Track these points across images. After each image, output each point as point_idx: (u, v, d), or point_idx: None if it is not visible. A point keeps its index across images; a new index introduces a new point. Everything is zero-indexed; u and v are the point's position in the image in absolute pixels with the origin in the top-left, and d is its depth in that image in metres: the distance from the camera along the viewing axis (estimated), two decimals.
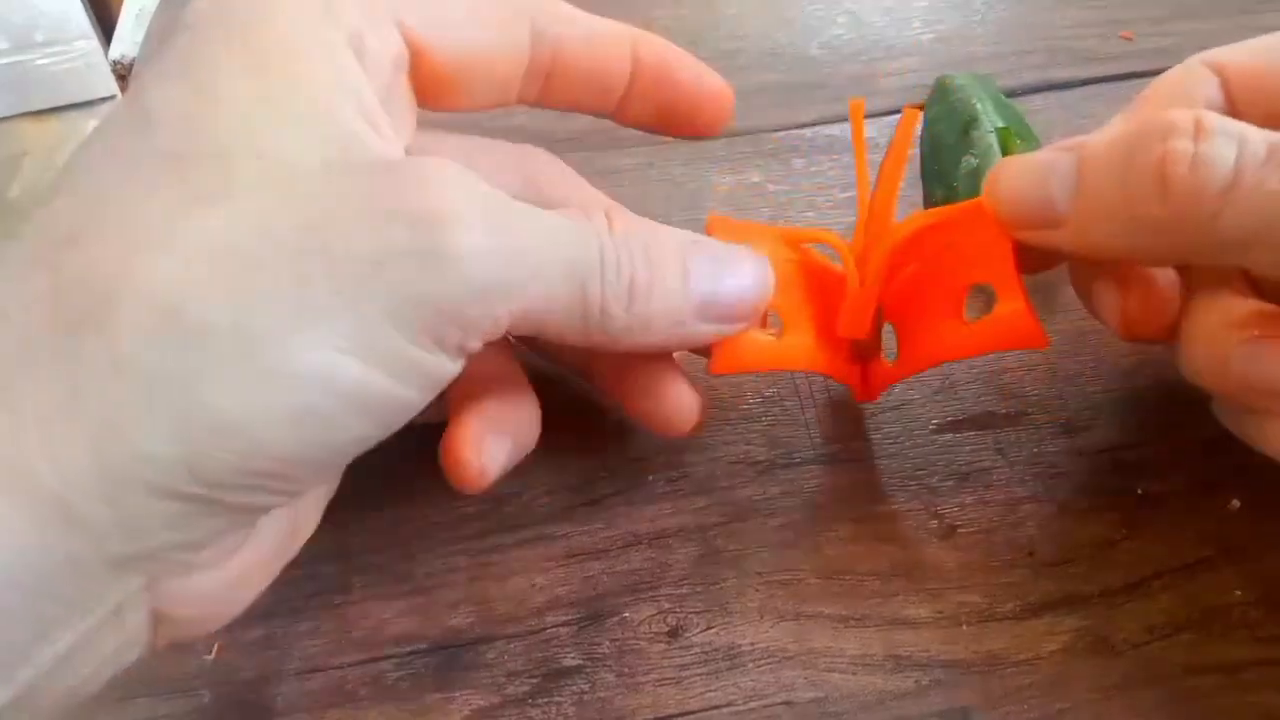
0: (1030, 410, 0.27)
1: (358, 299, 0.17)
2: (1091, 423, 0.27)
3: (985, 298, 0.24)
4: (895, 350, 0.26)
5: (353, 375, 0.17)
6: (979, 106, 0.33)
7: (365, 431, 0.19)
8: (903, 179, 0.25)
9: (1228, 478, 0.26)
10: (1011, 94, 0.35)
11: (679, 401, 0.25)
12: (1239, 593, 0.24)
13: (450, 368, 0.19)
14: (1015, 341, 0.23)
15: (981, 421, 0.27)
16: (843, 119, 0.36)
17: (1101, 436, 0.27)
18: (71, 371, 0.16)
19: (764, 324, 0.24)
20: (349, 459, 0.20)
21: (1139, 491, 0.26)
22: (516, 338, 0.26)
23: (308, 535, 0.23)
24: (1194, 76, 0.24)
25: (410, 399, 0.19)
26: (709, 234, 0.24)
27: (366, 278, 0.17)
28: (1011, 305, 0.23)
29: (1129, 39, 0.38)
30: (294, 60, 0.19)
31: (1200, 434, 0.27)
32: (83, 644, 0.17)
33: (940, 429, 0.27)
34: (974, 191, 0.30)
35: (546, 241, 0.20)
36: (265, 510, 0.19)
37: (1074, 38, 0.38)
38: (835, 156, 0.35)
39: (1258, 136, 0.19)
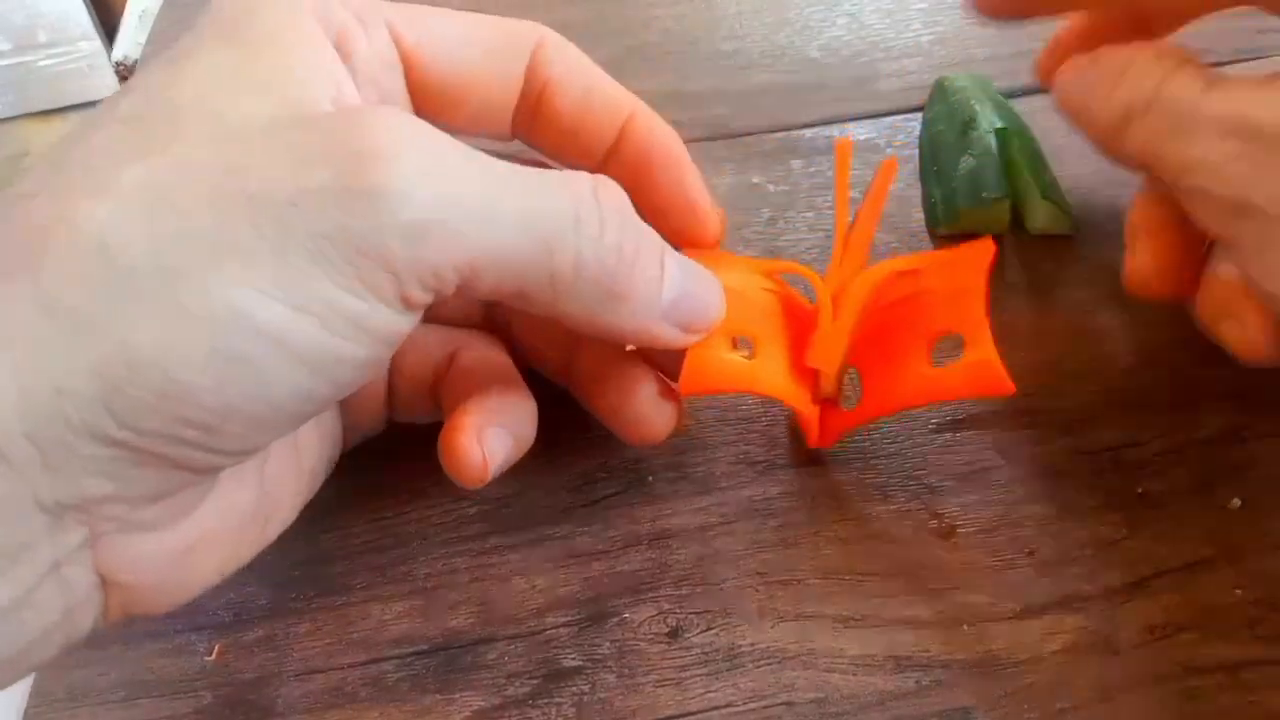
0: (1030, 410, 0.27)
1: (278, 238, 0.17)
2: (1091, 423, 0.27)
3: (951, 345, 0.24)
4: (856, 400, 0.26)
5: (276, 318, 0.17)
6: (977, 108, 0.33)
7: (303, 384, 0.18)
8: (878, 224, 0.26)
9: (1228, 477, 0.26)
10: (1011, 95, 0.35)
11: (651, 406, 0.24)
12: (1239, 592, 0.24)
13: (393, 320, 0.18)
14: (982, 389, 0.23)
15: (981, 421, 0.27)
16: (843, 119, 0.36)
17: (1101, 436, 0.27)
18: (3, 302, 0.16)
19: (734, 346, 0.24)
20: (298, 418, 0.19)
21: (1139, 491, 0.26)
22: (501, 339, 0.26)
23: (280, 526, 0.23)
24: None
25: (352, 353, 0.18)
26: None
27: (286, 217, 0.17)
28: (979, 353, 0.23)
29: None
30: (273, 45, 0.19)
31: (1200, 434, 0.27)
32: (24, 598, 0.17)
33: (940, 429, 0.27)
34: (972, 191, 0.30)
35: (499, 190, 0.19)
36: (206, 469, 0.18)
37: None
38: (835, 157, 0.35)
39: (1153, 81, 0.23)
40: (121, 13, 0.47)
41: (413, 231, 0.17)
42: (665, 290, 0.22)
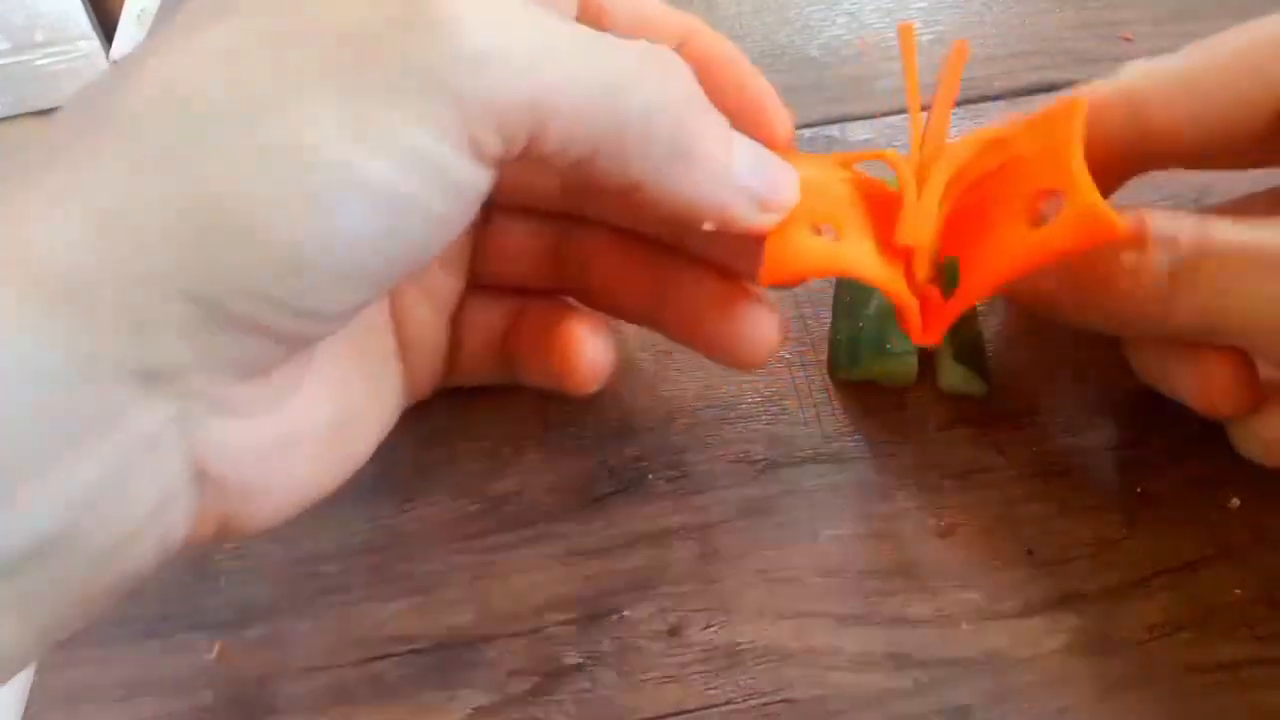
0: (1030, 410, 0.27)
1: (347, 76, 0.17)
2: (1091, 422, 0.27)
3: (1052, 209, 0.23)
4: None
5: (349, 156, 0.16)
6: None
7: (380, 232, 0.17)
8: (955, 101, 0.25)
9: (1228, 476, 0.26)
10: (1010, 95, 0.35)
11: (755, 322, 0.24)
12: (1239, 591, 0.24)
13: (467, 171, 0.18)
14: (1089, 238, 0.22)
15: (982, 421, 0.27)
16: (843, 119, 0.36)
17: (1101, 436, 0.27)
18: (80, 160, 0.16)
19: (816, 234, 0.23)
20: (376, 279, 0.18)
21: (1139, 490, 0.26)
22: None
23: (358, 461, 0.22)
24: (1105, 113, 0.24)
25: (427, 202, 0.17)
26: None
27: (352, 52, 0.17)
28: (1080, 201, 0.22)
29: (1129, 40, 0.38)
30: None
31: (1200, 433, 0.27)
32: (116, 477, 0.16)
33: (940, 428, 0.27)
34: (878, 339, 0.27)
35: (561, 31, 0.18)
36: (291, 338, 0.18)
37: (1073, 39, 0.38)
38: None
39: (1189, 236, 0.21)
40: (120, 12, 0.47)
41: (476, 60, 0.17)
42: (736, 160, 0.21)
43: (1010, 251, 0.23)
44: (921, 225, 0.23)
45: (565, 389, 0.24)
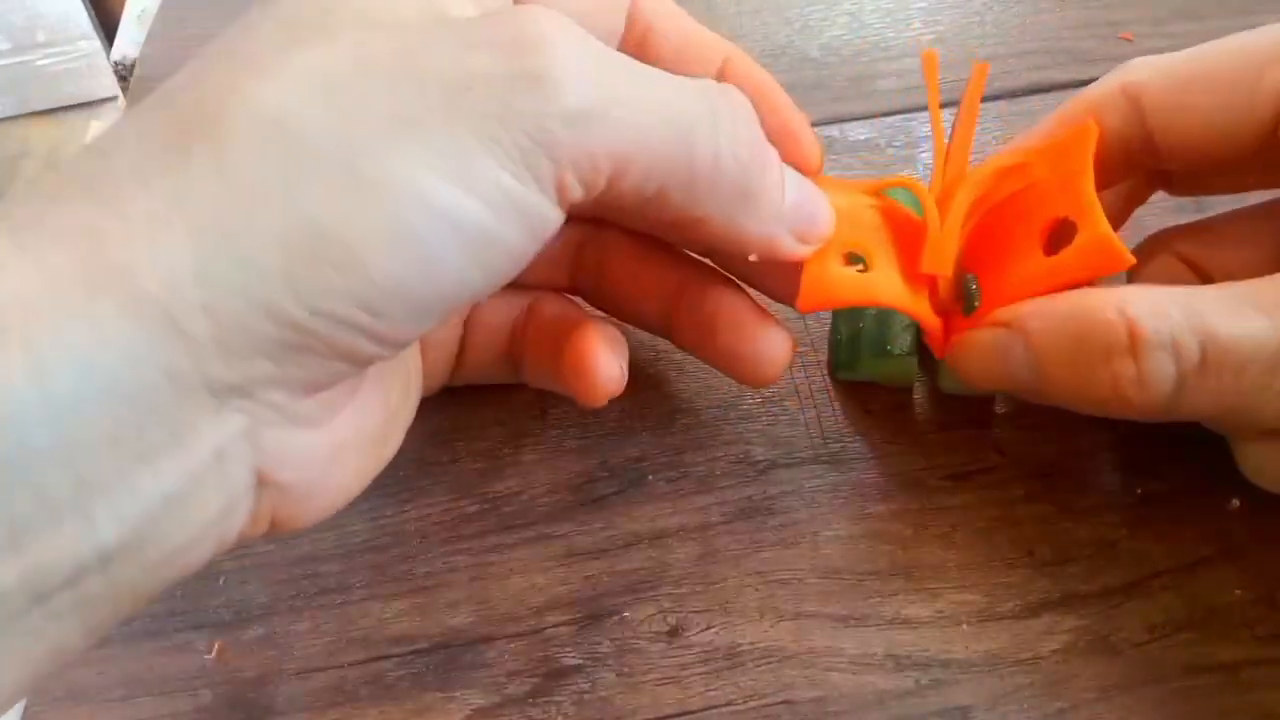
0: (1030, 410, 0.27)
1: (450, 118, 0.17)
2: (1091, 423, 0.27)
3: (1067, 234, 0.24)
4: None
5: (449, 197, 0.17)
6: None
7: (465, 267, 0.18)
8: (976, 126, 0.25)
9: (1227, 477, 0.25)
10: (1011, 95, 0.35)
11: (769, 340, 0.24)
12: (1239, 592, 0.24)
13: (547, 211, 0.19)
14: (1099, 268, 0.23)
15: (982, 421, 0.27)
16: (842, 119, 0.36)
17: (1101, 436, 0.27)
18: (179, 179, 0.16)
19: (847, 263, 0.24)
20: (451, 308, 0.19)
21: (1139, 491, 0.26)
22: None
23: (392, 452, 0.23)
24: (1109, 104, 0.25)
25: (508, 239, 0.18)
26: None
27: (457, 98, 0.17)
28: (1091, 232, 0.23)
29: (1129, 40, 0.38)
30: None
31: (1200, 434, 0.27)
32: (188, 489, 0.17)
33: (940, 428, 0.27)
34: (878, 340, 0.28)
35: (646, 83, 0.20)
36: (362, 360, 0.18)
37: (1073, 38, 0.38)
38: (835, 157, 0.35)
39: (1190, 339, 0.21)
40: (120, 13, 0.47)
41: (575, 117, 0.18)
42: (787, 196, 0.22)
43: (1026, 277, 0.24)
44: (945, 255, 0.24)
45: (575, 399, 0.24)
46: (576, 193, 0.19)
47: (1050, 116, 0.26)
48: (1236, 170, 0.25)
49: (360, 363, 0.19)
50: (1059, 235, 0.24)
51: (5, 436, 0.14)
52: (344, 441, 0.20)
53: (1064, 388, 0.23)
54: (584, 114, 0.18)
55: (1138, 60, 0.25)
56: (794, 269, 0.23)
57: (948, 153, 0.26)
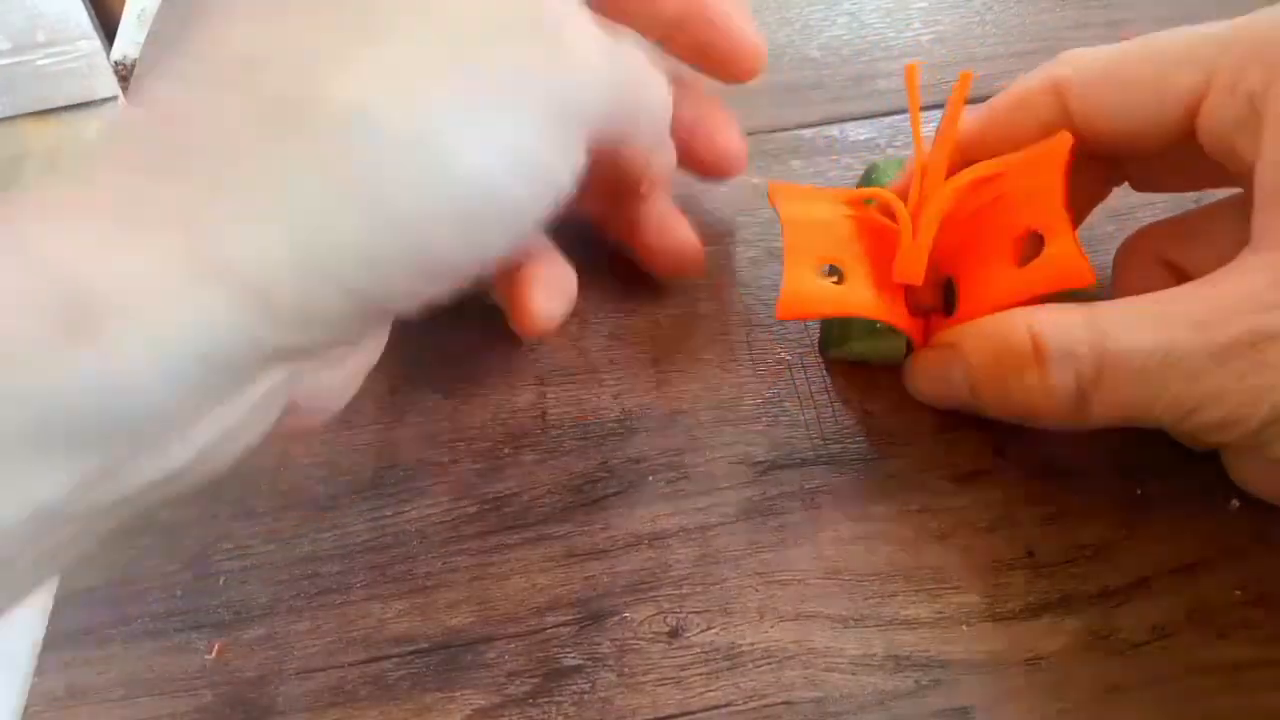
0: None
1: (510, 105, 0.19)
2: None
3: (1037, 244, 0.24)
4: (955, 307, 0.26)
5: (507, 183, 0.19)
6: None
7: (503, 241, 0.21)
8: (956, 139, 0.26)
9: (1227, 478, 0.26)
10: None
11: (680, 240, 0.29)
12: (1239, 593, 0.24)
13: (566, 176, 0.21)
14: (1064, 281, 0.24)
15: (981, 421, 0.27)
16: (843, 119, 0.36)
17: (1101, 436, 0.27)
18: (274, 167, 0.18)
19: (824, 274, 0.25)
20: (479, 271, 0.21)
21: (1139, 492, 0.26)
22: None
23: (375, 360, 0.24)
24: (1036, 98, 0.25)
25: (539, 212, 0.21)
26: (771, 201, 0.27)
27: (513, 86, 0.19)
28: (1058, 246, 0.24)
29: (1129, 40, 0.38)
30: None
31: None
32: (240, 422, 0.19)
33: (940, 429, 0.27)
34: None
35: (641, 66, 0.23)
36: (399, 314, 0.21)
37: (1073, 39, 0.38)
38: (835, 157, 0.35)
39: (1086, 352, 0.22)
40: (120, 12, 0.47)
41: (601, 105, 0.21)
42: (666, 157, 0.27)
43: (998, 286, 0.25)
44: (916, 265, 0.26)
45: (511, 324, 0.26)
46: (584, 161, 0.21)
47: (982, 107, 0.27)
48: (1175, 170, 0.26)
49: (392, 318, 0.21)
50: (1032, 245, 0.25)
51: (121, 404, 0.16)
52: (356, 369, 0.23)
53: (992, 400, 0.25)
54: (610, 106, 0.21)
55: (1067, 54, 0.25)
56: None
57: (924, 164, 0.26)
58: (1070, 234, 0.24)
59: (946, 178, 0.26)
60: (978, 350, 0.24)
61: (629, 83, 0.23)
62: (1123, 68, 0.24)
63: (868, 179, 0.32)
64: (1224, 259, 0.22)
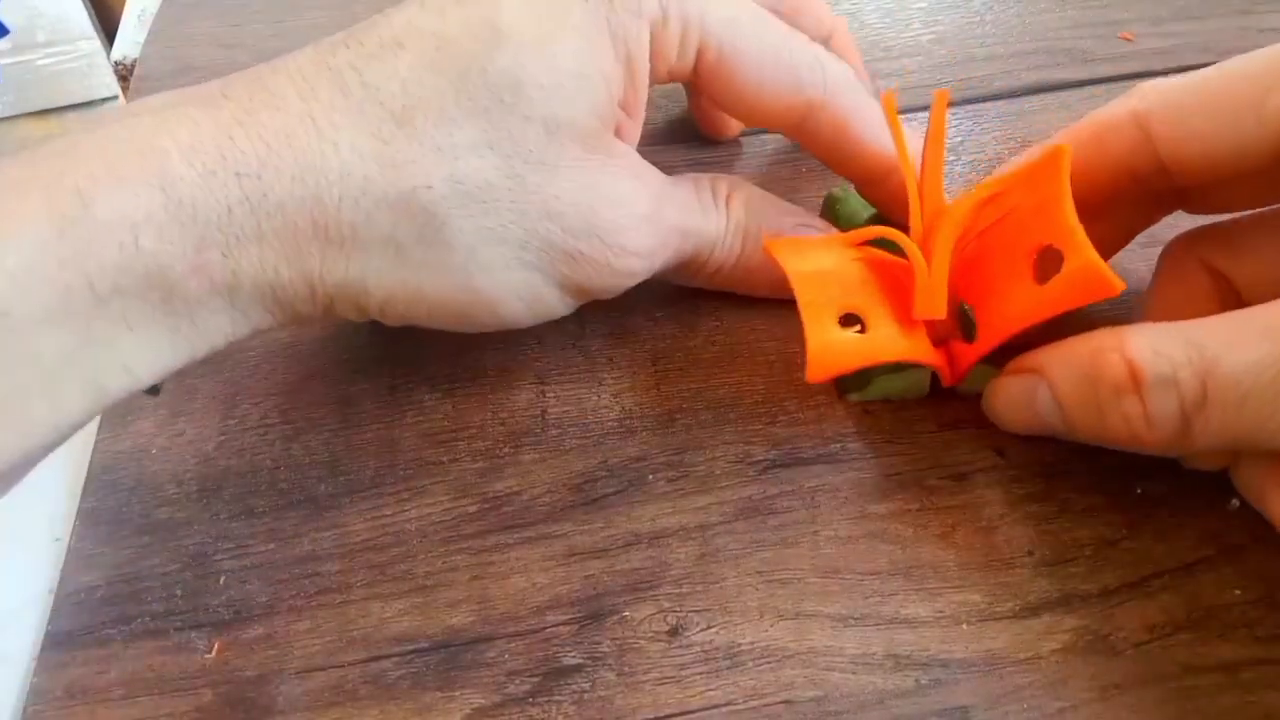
0: None
1: (542, 275, 0.25)
2: None
3: (1055, 258, 0.24)
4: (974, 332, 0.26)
5: (510, 309, 0.25)
6: (863, 220, 0.31)
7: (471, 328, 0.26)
8: (944, 160, 0.26)
9: (1227, 477, 0.26)
10: (1010, 95, 0.35)
11: None
12: (1239, 592, 0.24)
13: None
14: (1089, 294, 0.23)
15: (981, 421, 0.27)
16: None
17: None
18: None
19: (844, 324, 0.25)
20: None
21: (1139, 491, 0.26)
22: None
23: None
24: (1118, 130, 0.25)
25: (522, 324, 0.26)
26: (770, 257, 0.26)
27: (554, 262, 0.25)
28: (1078, 260, 0.23)
29: (1129, 39, 0.38)
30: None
31: None
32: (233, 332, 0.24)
33: (940, 428, 0.27)
34: None
35: (679, 218, 0.27)
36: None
37: (1073, 38, 0.39)
38: None
39: (1189, 375, 0.21)
40: (120, 13, 0.47)
41: (634, 277, 0.27)
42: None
43: (1019, 306, 0.24)
44: (936, 299, 0.25)
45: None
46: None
47: (1057, 135, 0.26)
48: (1252, 190, 0.25)
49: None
50: (1048, 260, 0.24)
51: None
52: None
53: (1088, 429, 0.24)
54: (636, 275, 0.27)
55: (1146, 85, 0.25)
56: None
57: (921, 191, 0.26)
58: (1088, 246, 0.23)
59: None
60: (1066, 378, 0.23)
61: (670, 249, 0.27)
62: (1213, 92, 0.23)
63: (830, 209, 0.31)
64: (1275, 270, 0.22)
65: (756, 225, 0.28)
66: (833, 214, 0.31)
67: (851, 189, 0.31)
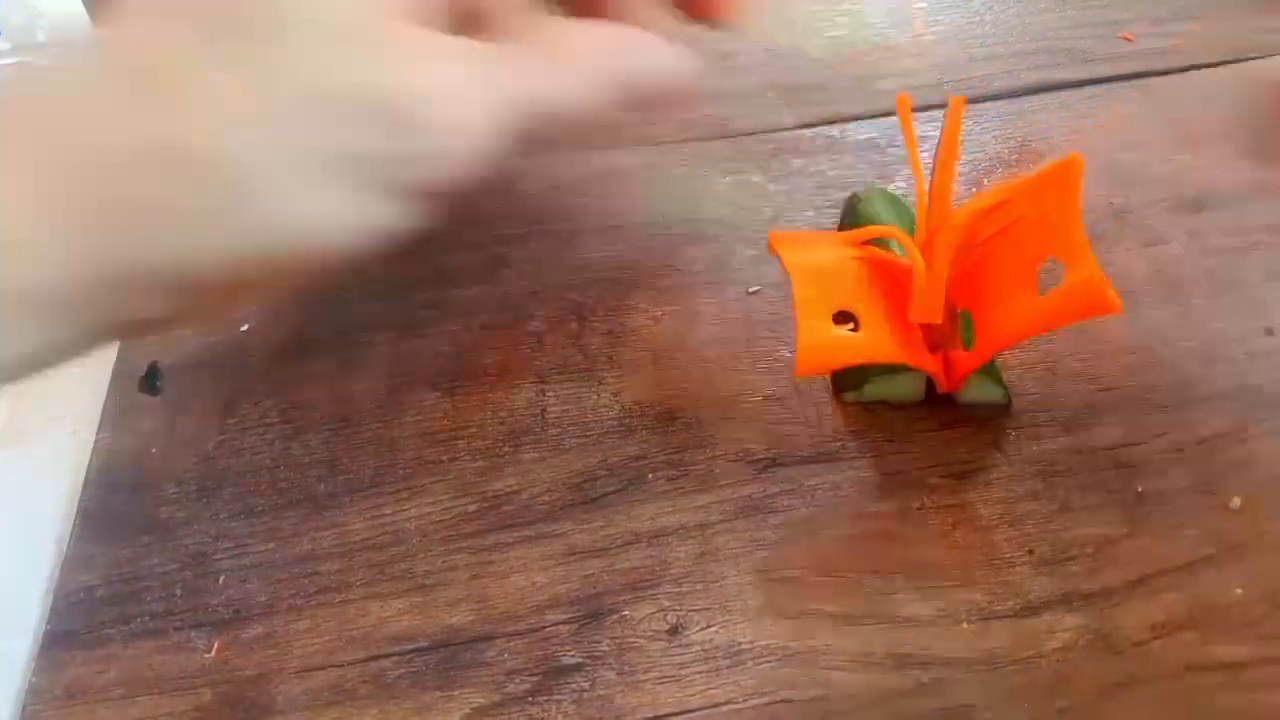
0: (1030, 409, 0.27)
1: (345, 184, 0.20)
2: (1091, 422, 0.27)
3: (1055, 271, 0.24)
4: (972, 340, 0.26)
5: (319, 236, 0.20)
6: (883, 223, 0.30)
7: (301, 273, 0.21)
8: (957, 164, 0.26)
9: (1228, 476, 0.26)
10: (1010, 95, 0.35)
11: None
12: (1240, 591, 0.24)
13: (402, 224, 0.21)
14: (1089, 309, 0.23)
15: (982, 420, 0.27)
16: (843, 119, 0.36)
17: (1101, 435, 0.27)
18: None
19: (840, 322, 0.25)
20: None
21: (1139, 490, 0.26)
22: None
23: None
24: None
25: (353, 248, 0.21)
26: (772, 250, 0.26)
27: (352, 167, 0.20)
28: (1082, 273, 0.23)
29: (1129, 39, 0.38)
30: None
31: (1200, 433, 0.27)
32: None
33: (940, 427, 0.27)
34: None
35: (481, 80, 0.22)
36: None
37: (1074, 38, 0.39)
38: (835, 156, 0.35)
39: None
40: None
41: (468, 147, 0.21)
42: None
43: (1017, 315, 0.24)
44: (933, 303, 0.25)
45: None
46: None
47: None
48: None
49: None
50: (1049, 271, 0.24)
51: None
52: None
53: None
54: (445, 151, 0.21)
55: None
56: None
57: (931, 196, 0.26)
58: (1092, 260, 0.23)
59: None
60: None
61: (525, 102, 0.22)
62: None
63: (852, 210, 0.31)
64: None
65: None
66: (854, 215, 0.31)
67: (874, 190, 0.31)
